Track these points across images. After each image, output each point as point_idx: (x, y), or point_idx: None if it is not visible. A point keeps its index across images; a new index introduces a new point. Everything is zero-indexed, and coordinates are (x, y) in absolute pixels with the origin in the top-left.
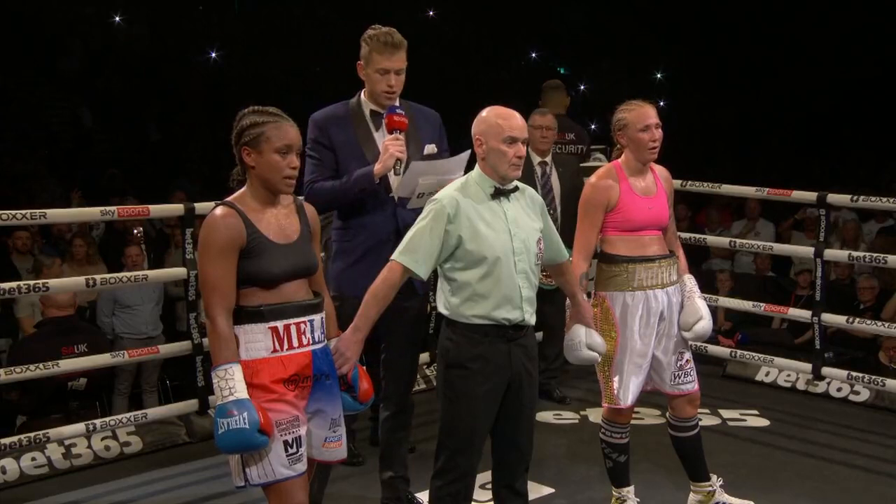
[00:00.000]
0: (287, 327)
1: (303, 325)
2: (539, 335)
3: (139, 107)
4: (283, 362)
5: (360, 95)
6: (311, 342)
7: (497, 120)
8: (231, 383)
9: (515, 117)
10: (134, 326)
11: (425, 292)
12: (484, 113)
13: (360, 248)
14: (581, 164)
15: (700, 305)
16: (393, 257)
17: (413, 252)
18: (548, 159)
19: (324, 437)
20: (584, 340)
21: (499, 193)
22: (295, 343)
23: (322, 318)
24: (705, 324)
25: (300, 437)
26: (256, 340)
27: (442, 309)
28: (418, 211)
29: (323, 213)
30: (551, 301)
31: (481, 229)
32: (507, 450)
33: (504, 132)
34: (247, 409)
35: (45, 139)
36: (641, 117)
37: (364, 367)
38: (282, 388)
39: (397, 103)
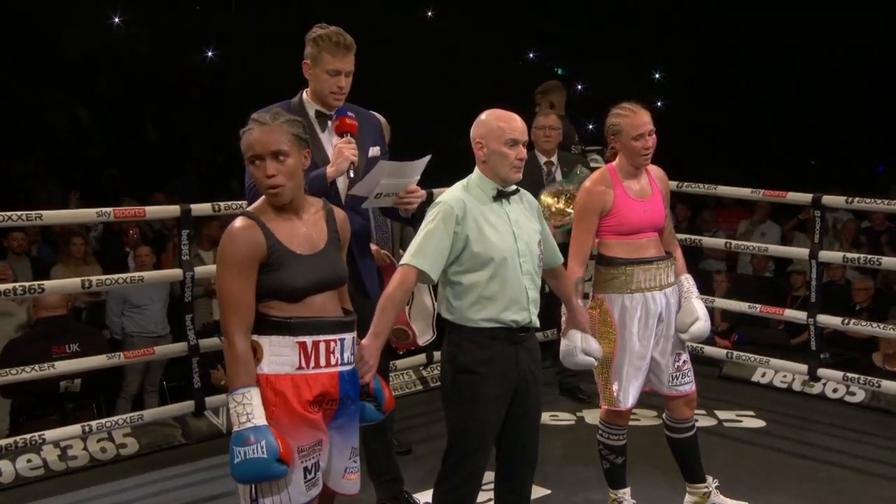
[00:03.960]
0: (316, 344)
1: (332, 344)
2: (545, 334)
3: (137, 107)
4: (307, 381)
5: (301, 95)
6: (339, 363)
7: (498, 123)
8: (249, 409)
9: (516, 119)
10: (144, 326)
11: (377, 296)
12: (483, 116)
13: None
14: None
15: (697, 306)
16: (405, 261)
17: (424, 255)
18: (553, 159)
19: (344, 467)
20: (580, 346)
21: (500, 195)
22: (322, 362)
23: (353, 337)
24: (702, 324)
25: (319, 461)
26: (282, 354)
27: (446, 314)
28: (365, 214)
29: None
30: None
31: (486, 231)
32: (514, 453)
33: (506, 134)
34: (265, 436)
35: (43, 139)
36: (635, 125)
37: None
38: (307, 410)
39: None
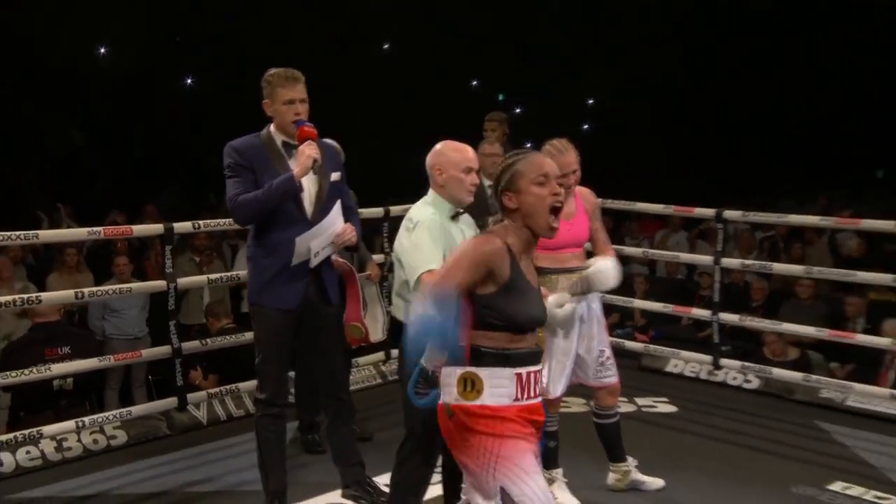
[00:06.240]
0: (529, 375)
1: (537, 375)
2: None
3: (124, 128)
4: (523, 411)
5: (269, 128)
6: (539, 393)
7: (455, 153)
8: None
9: (469, 150)
10: (122, 329)
11: (338, 303)
12: (439, 146)
13: (277, 264)
14: None
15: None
16: (425, 270)
17: (435, 260)
18: None
19: None
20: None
21: (456, 216)
22: (532, 392)
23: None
24: (600, 263)
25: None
26: (502, 386)
27: (406, 318)
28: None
29: (248, 223)
30: None
31: (452, 247)
32: None
33: (462, 163)
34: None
35: (38, 156)
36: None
37: None
38: (530, 438)
39: None
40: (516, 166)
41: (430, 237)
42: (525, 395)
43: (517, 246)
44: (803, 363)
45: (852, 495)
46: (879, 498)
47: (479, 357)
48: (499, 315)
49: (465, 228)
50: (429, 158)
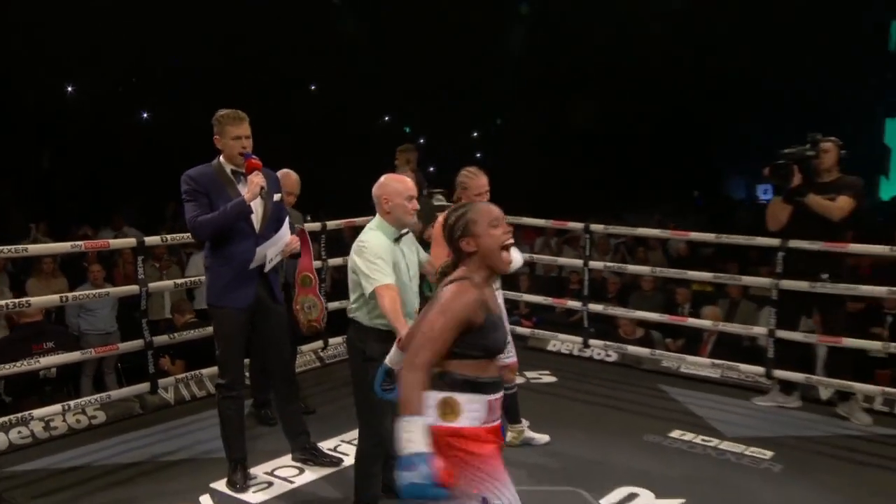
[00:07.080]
0: (496, 401)
1: (499, 401)
2: None
3: (89, 155)
4: (489, 432)
5: (219, 159)
6: (499, 416)
7: (398, 184)
8: (415, 436)
9: (409, 181)
10: (95, 325)
11: (282, 302)
12: (383, 179)
13: (232, 272)
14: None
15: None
16: (381, 285)
17: (385, 276)
18: None
19: None
20: None
21: (399, 238)
22: (495, 416)
23: None
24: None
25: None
26: (476, 410)
27: (353, 314)
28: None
29: (207, 240)
30: None
31: (395, 263)
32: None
33: (405, 192)
34: (425, 462)
35: (11, 178)
36: (476, 186)
37: None
38: (497, 453)
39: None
40: (469, 215)
41: (382, 259)
42: (491, 419)
43: (482, 282)
44: (647, 340)
45: (686, 440)
46: (705, 441)
47: (457, 384)
48: (476, 346)
49: (406, 249)
50: (375, 189)
